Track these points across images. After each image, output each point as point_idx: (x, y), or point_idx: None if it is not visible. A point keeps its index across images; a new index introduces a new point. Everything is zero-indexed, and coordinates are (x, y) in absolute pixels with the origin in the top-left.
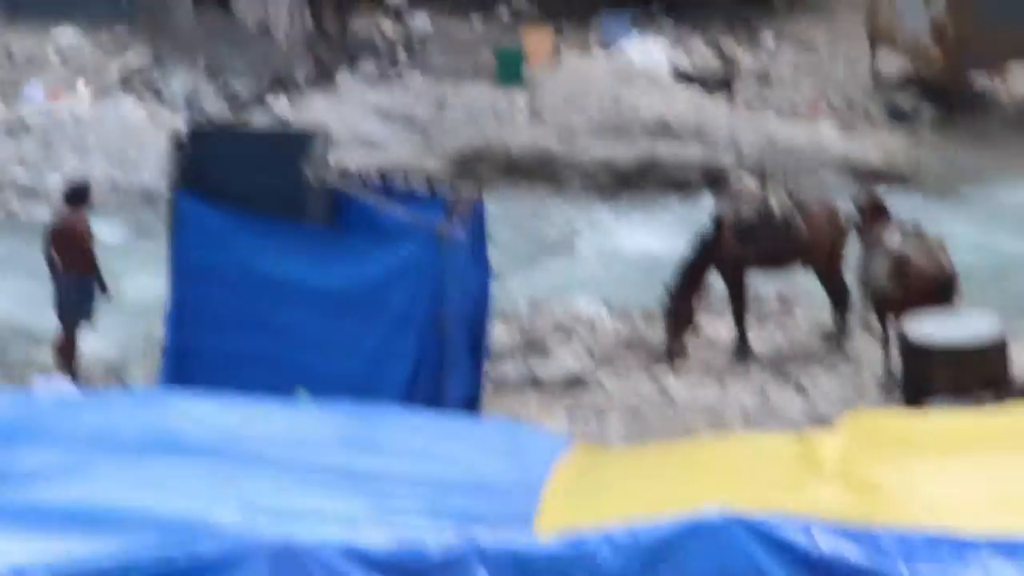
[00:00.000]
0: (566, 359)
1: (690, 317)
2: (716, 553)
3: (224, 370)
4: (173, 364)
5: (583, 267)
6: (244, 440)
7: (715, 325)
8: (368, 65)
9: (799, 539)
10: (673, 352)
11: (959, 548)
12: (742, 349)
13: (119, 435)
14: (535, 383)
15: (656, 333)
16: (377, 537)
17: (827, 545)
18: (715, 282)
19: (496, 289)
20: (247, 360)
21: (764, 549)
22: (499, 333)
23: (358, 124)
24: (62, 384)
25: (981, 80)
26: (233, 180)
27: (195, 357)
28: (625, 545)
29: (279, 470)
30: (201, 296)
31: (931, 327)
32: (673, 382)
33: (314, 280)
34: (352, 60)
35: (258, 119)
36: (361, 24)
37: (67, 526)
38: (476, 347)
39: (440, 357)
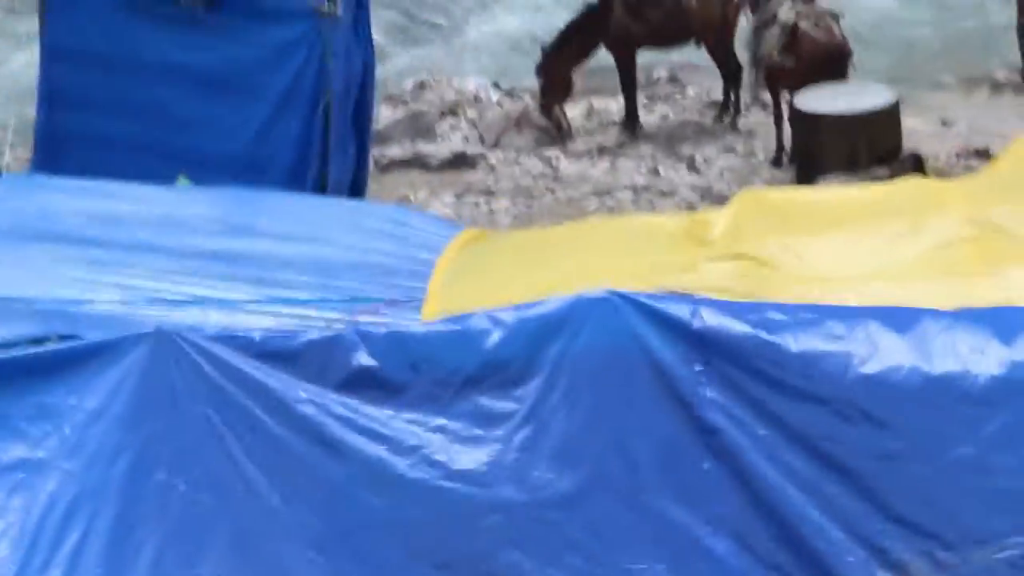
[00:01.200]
0: (453, 139)
1: (565, 84)
2: (602, 330)
3: (100, 154)
4: (45, 149)
5: (469, 45)
6: (122, 225)
7: (606, 103)
8: None
9: (684, 314)
10: (548, 113)
11: (845, 318)
12: (632, 125)
13: None
14: (422, 164)
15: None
16: (257, 321)
17: (712, 319)
18: (607, 59)
19: (380, 69)
20: (124, 144)
21: (650, 325)
22: (384, 114)
23: None
24: None
25: None
26: None
27: (68, 141)
28: (510, 324)
29: (159, 256)
30: (73, 77)
31: (823, 99)
32: (563, 160)
33: (193, 61)
34: None
35: None
36: None
37: None
38: (361, 129)
39: (324, 139)
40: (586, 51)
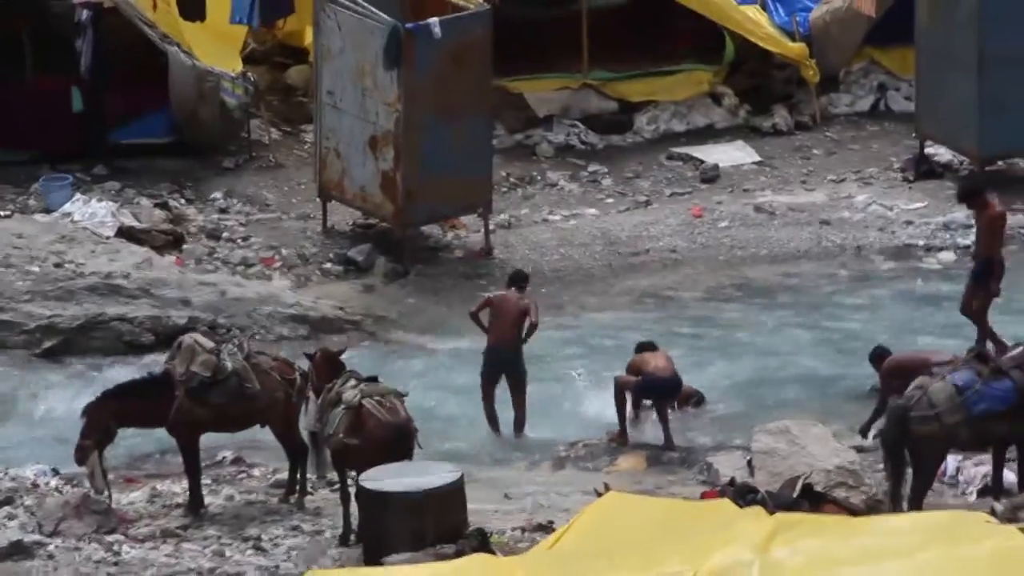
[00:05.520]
0: (10, 529)
1: (107, 431)
2: None
3: None
4: None
5: (28, 432)
6: None
7: (170, 485)
8: None
9: None
10: (83, 458)
11: None
12: (196, 507)
13: None
14: None
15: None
16: None
17: None
18: (169, 441)
19: None
20: None
21: None
22: None
23: None
24: None
25: (433, 231)
26: None
27: None
28: None
29: None
30: None
31: (389, 477)
32: (125, 546)
33: None
34: None
35: None
36: None
37: None
38: None
39: None
40: (141, 420)
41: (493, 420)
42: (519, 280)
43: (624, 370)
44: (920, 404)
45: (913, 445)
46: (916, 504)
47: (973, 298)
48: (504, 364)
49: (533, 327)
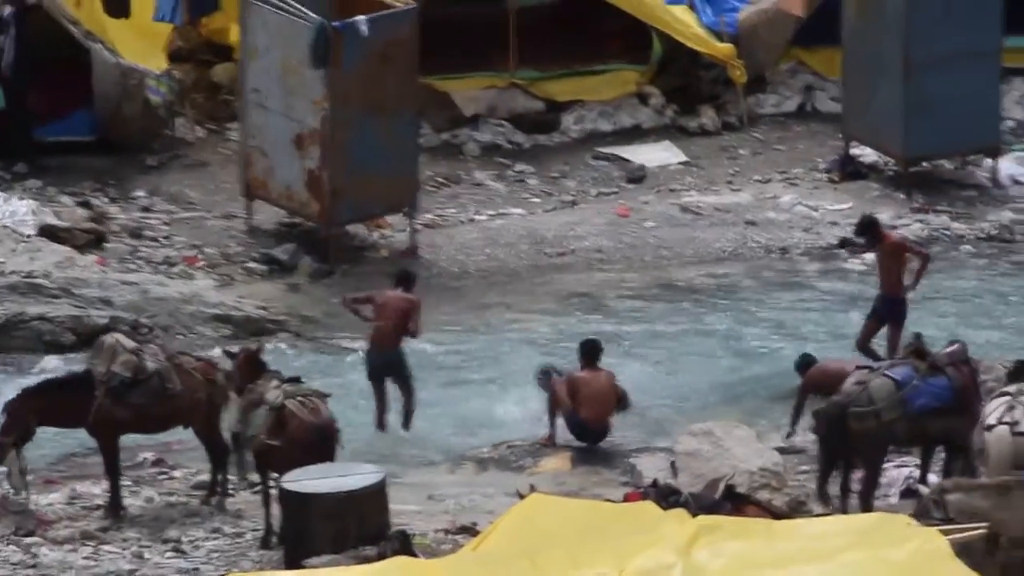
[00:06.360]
0: None
1: (26, 429)
2: None
3: None
4: None
5: None
6: None
7: (89, 487)
8: None
9: None
10: (2, 455)
11: None
12: (115, 509)
13: None
14: None
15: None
16: None
17: None
18: (88, 441)
19: None
20: None
21: None
22: None
23: None
24: None
25: (358, 230)
26: None
27: None
28: None
29: None
30: None
31: (311, 479)
32: (44, 548)
33: None
34: None
35: None
36: None
37: None
38: None
39: None
40: (62, 419)
41: (381, 422)
42: (405, 280)
43: (558, 370)
44: (860, 400)
45: (852, 441)
46: (866, 502)
47: (871, 333)
48: (385, 364)
49: (413, 336)
